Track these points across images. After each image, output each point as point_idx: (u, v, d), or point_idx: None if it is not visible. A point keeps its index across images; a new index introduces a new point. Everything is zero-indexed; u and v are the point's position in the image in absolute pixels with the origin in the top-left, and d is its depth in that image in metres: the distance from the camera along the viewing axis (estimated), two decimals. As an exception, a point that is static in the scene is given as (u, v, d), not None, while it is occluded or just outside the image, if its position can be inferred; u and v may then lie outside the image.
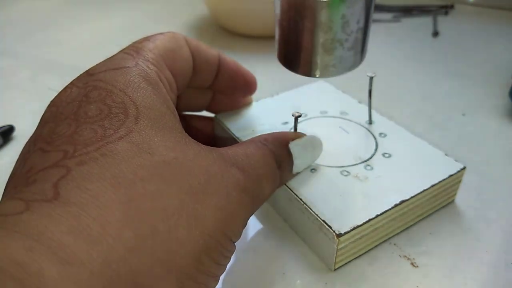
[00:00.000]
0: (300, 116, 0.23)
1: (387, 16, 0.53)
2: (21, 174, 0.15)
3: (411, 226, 0.24)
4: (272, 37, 0.52)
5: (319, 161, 0.24)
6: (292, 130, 0.24)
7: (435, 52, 0.45)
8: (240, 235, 0.17)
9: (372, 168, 0.24)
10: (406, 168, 0.24)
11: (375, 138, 0.26)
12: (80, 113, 0.16)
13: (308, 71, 0.21)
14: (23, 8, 0.58)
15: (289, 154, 0.22)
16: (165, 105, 0.18)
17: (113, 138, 0.15)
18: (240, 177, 0.17)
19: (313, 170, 0.24)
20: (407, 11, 0.55)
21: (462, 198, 0.26)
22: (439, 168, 0.24)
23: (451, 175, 0.23)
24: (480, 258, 0.22)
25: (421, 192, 0.22)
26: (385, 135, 0.26)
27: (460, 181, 0.25)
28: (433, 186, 0.23)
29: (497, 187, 0.27)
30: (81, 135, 0.15)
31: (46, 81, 0.41)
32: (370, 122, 0.28)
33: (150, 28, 0.53)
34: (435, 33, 0.48)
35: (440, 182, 0.23)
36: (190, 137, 0.18)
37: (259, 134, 0.22)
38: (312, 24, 0.19)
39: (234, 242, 0.17)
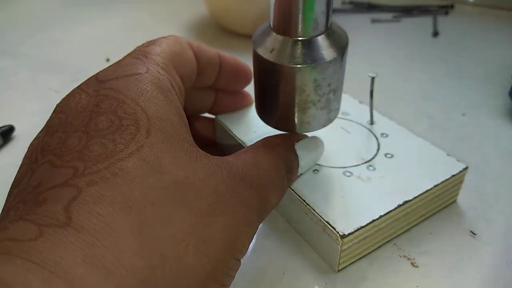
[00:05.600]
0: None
1: (387, 16, 0.53)
2: (29, 186, 0.15)
3: (412, 226, 0.24)
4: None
5: (321, 162, 0.24)
6: None
7: (435, 52, 0.45)
8: (246, 252, 0.17)
9: (374, 169, 0.24)
10: (409, 168, 0.24)
11: (377, 138, 0.26)
12: (90, 125, 0.16)
13: (285, 127, 0.22)
14: (23, 8, 0.58)
15: (296, 156, 0.22)
16: (177, 115, 0.18)
17: (123, 155, 0.15)
18: (247, 194, 0.17)
19: (316, 171, 0.24)
20: (407, 11, 0.55)
21: (462, 198, 0.26)
22: (441, 168, 0.24)
23: (453, 175, 0.23)
24: (480, 258, 0.22)
25: (424, 193, 0.22)
26: (387, 136, 0.26)
27: (462, 181, 0.25)
28: (436, 186, 0.23)
29: (497, 187, 0.27)
30: (92, 150, 0.15)
31: (46, 81, 0.41)
32: (372, 122, 0.28)
33: (150, 28, 0.53)
34: (435, 33, 0.48)
35: (442, 182, 0.23)
36: (199, 150, 0.18)
37: (262, 136, 0.22)
38: (287, 87, 0.21)
39: (239, 260, 0.17)
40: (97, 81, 0.18)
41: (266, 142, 0.21)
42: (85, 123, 0.16)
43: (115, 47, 0.49)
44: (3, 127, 0.32)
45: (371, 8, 0.56)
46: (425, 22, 0.52)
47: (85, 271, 0.13)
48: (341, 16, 0.54)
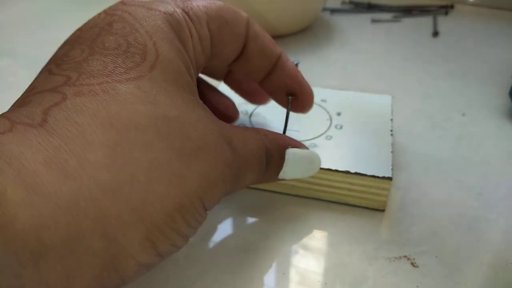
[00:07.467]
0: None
1: (387, 16, 0.53)
2: (24, 93, 0.15)
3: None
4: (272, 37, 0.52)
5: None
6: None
7: (435, 52, 0.45)
8: (213, 207, 0.17)
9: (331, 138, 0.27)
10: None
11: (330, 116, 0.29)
12: (97, 41, 0.16)
13: None
14: (23, 8, 0.58)
15: (281, 158, 0.21)
16: (186, 65, 0.17)
17: (121, 78, 0.15)
18: (230, 156, 0.17)
19: None
20: (407, 11, 0.55)
21: (462, 198, 0.26)
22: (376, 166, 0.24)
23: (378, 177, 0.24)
24: (480, 258, 0.22)
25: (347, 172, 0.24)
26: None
27: (387, 191, 0.24)
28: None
29: (497, 187, 0.27)
30: (90, 65, 0.15)
31: (46, 81, 0.41)
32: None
33: (150, 28, 0.53)
34: (435, 33, 0.48)
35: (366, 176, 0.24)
36: (201, 102, 0.17)
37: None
38: None
39: (206, 211, 0.17)
40: (121, 3, 0.17)
41: (259, 130, 0.21)
42: (93, 38, 0.16)
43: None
44: (3, 127, 0.32)
45: (371, 8, 0.56)
46: (425, 22, 0.52)
47: (43, 169, 0.12)
48: (341, 16, 0.54)
